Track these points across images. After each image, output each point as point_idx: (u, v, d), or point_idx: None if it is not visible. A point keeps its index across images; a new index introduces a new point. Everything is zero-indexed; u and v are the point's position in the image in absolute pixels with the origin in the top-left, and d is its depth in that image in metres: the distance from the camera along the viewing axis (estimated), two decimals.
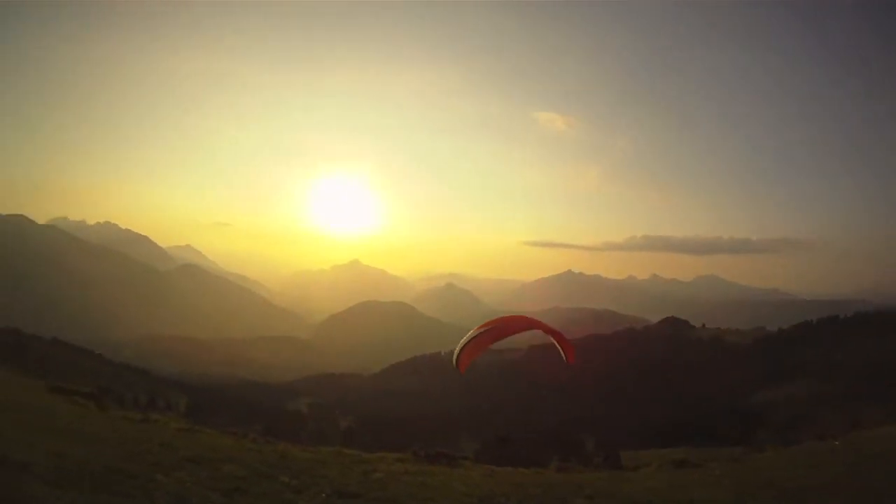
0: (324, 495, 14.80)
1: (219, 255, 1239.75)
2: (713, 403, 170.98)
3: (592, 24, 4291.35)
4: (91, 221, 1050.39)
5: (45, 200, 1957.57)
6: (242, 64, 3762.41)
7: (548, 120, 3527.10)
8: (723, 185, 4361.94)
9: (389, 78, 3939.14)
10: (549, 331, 19.09)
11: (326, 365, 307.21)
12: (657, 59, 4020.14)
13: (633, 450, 75.33)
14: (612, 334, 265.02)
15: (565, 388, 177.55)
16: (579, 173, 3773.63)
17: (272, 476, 16.01)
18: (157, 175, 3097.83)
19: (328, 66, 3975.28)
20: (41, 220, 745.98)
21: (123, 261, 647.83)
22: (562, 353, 19.74)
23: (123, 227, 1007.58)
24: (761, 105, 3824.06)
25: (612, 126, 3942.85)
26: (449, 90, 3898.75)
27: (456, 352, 18.21)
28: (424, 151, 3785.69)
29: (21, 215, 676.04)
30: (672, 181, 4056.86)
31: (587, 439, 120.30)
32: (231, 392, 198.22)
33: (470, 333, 18.27)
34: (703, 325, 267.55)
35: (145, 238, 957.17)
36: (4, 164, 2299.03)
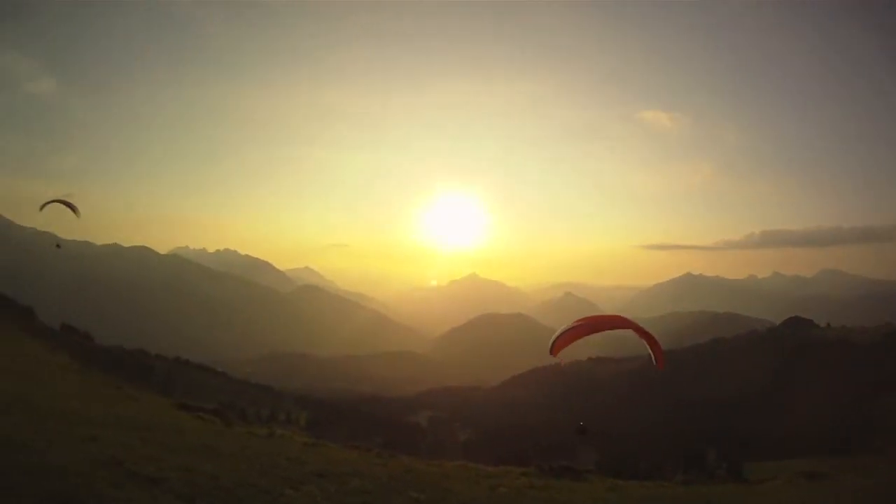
0: None
1: (337, 275, 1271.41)
2: (839, 409, 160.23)
3: (686, 16, 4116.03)
4: (211, 249, 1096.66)
5: (167, 232, 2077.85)
6: (349, 94, 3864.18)
7: (653, 118, 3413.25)
8: (839, 171, 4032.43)
9: (489, 92, 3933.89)
10: (642, 333, 20.39)
11: (446, 378, 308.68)
12: (761, 45, 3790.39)
13: (755, 461, 72.06)
14: (734, 338, 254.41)
15: (683, 397, 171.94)
16: (691, 170, 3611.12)
17: (400, 490, 16.40)
18: (273, 204, 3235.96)
19: (428, 87, 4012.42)
20: (163, 251, 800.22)
21: (244, 285, 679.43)
22: (652, 357, 21.05)
23: (243, 253, 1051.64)
24: (875, 84, 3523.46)
25: (719, 119, 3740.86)
26: (547, 99, 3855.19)
27: (552, 339, 21.11)
28: (531, 162, 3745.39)
29: (144, 246, 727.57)
30: (785, 171, 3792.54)
31: (708, 450, 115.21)
32: (350, 406, 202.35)
33: (566, 325, 21.16)
34: (828, 325, 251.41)
35: (265, 263, 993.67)
36: (127, 199, 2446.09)
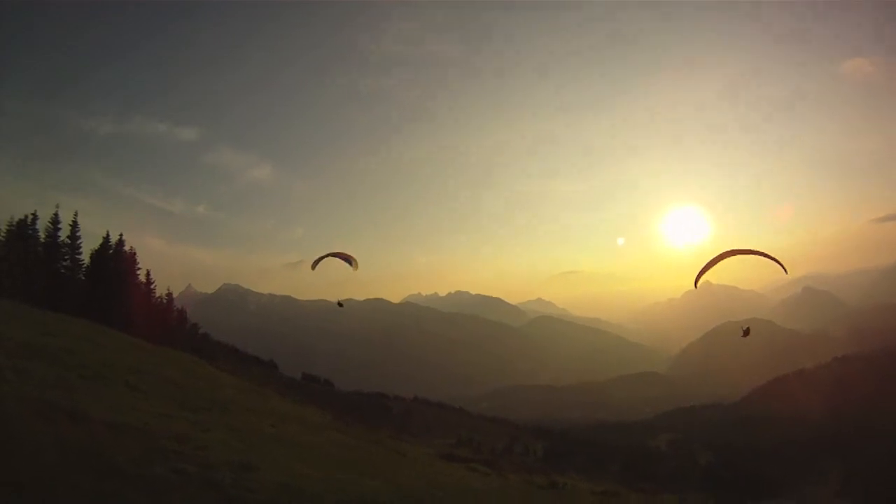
0: None
1: (569, 302, 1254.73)
2: None
3: None
4: (443, 293, 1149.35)
5: (398, 284, 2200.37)
6: (554, 123, 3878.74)
7: (854, 68, 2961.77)
8: None
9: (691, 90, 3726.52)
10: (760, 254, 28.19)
11: (685, 397, 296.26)
12: None
13: None
14: None
15: None
16: None
17: None
18: (497, 242, 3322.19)
19: (619, 105, 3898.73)
20: (396, 300, 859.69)
21: (477, 322, 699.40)
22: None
23: (474, 293, 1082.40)
24: None
25: None
26: (744, 77, 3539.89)
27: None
28: (740, 153, 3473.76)
29: (378, 298, 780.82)
30: None
31: None
32: (588, 434, 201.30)
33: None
34: None
35: (496, 299, 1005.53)
36: (357, 258, 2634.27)
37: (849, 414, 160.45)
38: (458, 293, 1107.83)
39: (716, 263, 29.25)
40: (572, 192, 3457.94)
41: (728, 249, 28.18)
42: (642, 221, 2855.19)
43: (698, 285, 28.17)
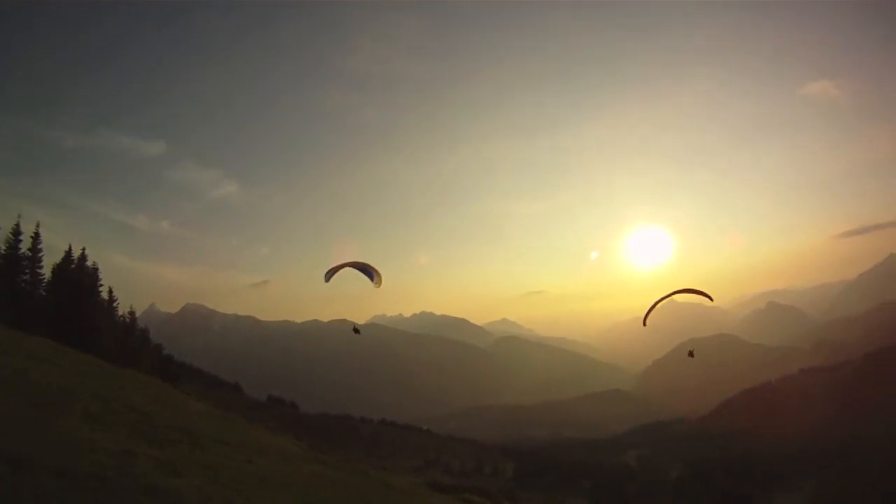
0: None
1: (535, 322, 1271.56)
2: None
3: None
4: (408, 314, 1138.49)
5: (363, 305, 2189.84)
6: (518, 142, 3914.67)
7: (818, 90, 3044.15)
8: None
9: (650, 109, 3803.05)
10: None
11: (652, 413, 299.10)
12: None
13: None
14: None
15: None
16: (870, 138, 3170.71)
17: None
18: (462, 263, 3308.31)
19: (585, 125, 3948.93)
20: (361, 321, 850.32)
21: (443, 343, 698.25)
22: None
23: (439, 313, 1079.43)
24: None
25: (887, 74, 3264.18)
26: (712, 97, 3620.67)
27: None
28: (707, 171, 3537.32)
29: (343, 319, 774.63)
30: None
31: None
32: (557, 452, 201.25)
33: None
34: None
35: (461, 320, 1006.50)
36: (321, 278, 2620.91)
37: (818, 426, 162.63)
38: (424, 314, 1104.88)
39: (658, 304, 33.77)
40: (537, 213, 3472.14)
41: (669, 292, 33.00)
42: (607, 241, 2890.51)
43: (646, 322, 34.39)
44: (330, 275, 29.80)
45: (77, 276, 62.81)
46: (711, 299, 33.63)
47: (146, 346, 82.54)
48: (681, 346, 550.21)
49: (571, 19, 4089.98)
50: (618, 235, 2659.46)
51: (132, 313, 78.39)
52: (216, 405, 58.96)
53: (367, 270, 30.26)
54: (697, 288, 32.38)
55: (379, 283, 30.56)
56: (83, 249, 65.08)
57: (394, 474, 45.82)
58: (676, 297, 32.84)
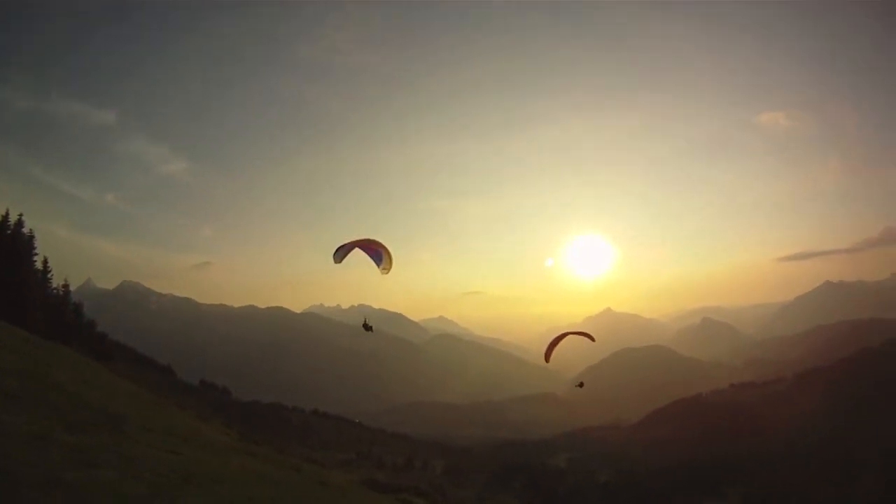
0: None
1: (472, 322, 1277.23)
2: None
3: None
4: (345, 306, 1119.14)
5: (301, 293, 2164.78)
6: (465, 143, 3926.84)
7: (771, 120, 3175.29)
8: None
9: (601, 124, 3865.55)
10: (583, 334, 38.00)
11: (585, 419, 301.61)
12: (875, 24, 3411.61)
13: None
14: (883, 345, 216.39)
15: (838, 418, 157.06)
16: (817, 170, 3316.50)
17: None
18: (403, 258, 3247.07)
19: (540, 127, 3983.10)
20: (298, 310, 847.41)
21: (379, 337, 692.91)
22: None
23: (377, 307, 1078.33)
24: None
25: (839, 108, 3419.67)
26: (665, 116, 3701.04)
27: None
28: (655, 188, 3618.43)
29: (279, 307, 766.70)
30: None
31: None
32: (489, 452, 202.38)
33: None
34: None
35: (398, 315, 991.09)
36: (261, 265, 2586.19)
37: (745, 437, 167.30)
38: (362, 306, 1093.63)
39: (557, 343, 38.42)
40: (481, 214, 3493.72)
41: (562, 333, 38.80)
42: (549, 247, 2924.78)
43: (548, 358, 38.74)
44: (340, 255, 26.06)
45: (10, 242, 59.55)
46: (593, 340, 39.59)
47: (79, 322, 79.23)
48: (615, 355, 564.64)
49: (535, 24, 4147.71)
50: (562, 242, 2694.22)
51: (66, 287, 74.98)
52: (147, 387, 56.71)
53: (376, 254, 26.74)
54: (584, 330, 39.20)
55: (388, 268, 27.12)
56: (20, 216, 61.41)
57: (327, 469, 44.61)
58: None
